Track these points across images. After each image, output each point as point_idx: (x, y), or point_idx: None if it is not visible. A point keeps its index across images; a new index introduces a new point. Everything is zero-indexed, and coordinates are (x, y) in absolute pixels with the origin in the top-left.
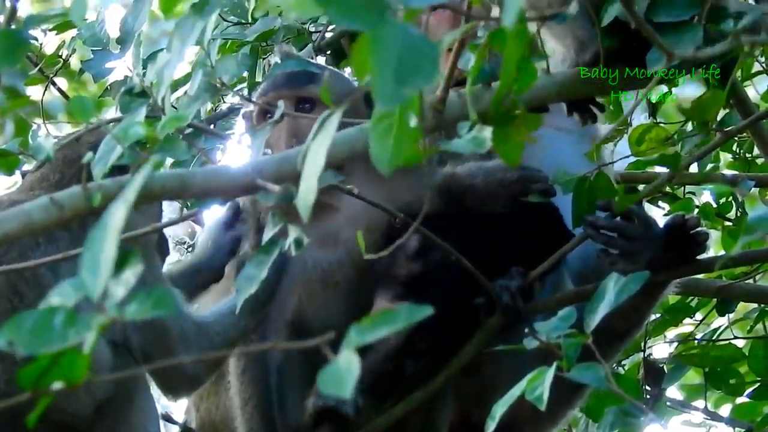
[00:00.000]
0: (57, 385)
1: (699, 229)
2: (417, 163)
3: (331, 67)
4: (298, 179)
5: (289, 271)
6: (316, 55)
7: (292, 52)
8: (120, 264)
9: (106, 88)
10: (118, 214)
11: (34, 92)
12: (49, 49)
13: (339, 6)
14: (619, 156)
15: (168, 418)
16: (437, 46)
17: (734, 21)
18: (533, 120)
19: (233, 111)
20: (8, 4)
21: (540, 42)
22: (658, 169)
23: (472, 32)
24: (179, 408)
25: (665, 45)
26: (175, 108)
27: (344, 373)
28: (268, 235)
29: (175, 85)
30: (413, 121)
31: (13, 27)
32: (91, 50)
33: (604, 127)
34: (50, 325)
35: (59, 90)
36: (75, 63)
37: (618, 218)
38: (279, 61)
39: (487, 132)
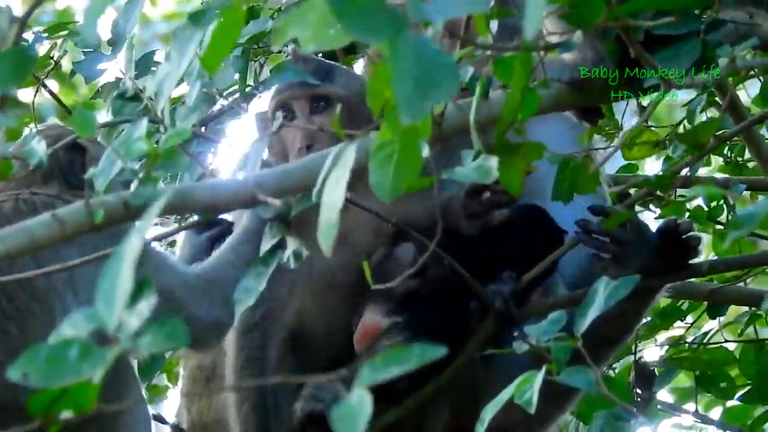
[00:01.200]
0: (66, 414)
1: (691, 233)
2: (422, 188)
3: (344, 66)
4: (299, 192)
5: (291, 273)
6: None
7: (302, 53)
8: (135, 295)
9: (98, 90)
10: (133, 246)
11: (25, 95)
12: (40, 51)
13: (358, 20)
14: (611, 159)
15: (160, 419)
16: (454, 60)
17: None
18: (535, 149)
19: (224, 113)
20: (15, 26)
21: (543, 67)
22: (650, 172)
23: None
24: (170, 409)
25: (664, 59)
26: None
27: (357, 411)
28: (266, 246)
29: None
30: (425, 151)
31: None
32: (83, 52)
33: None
34: (65, 358)
35: (50, 92)
36: (66, 65)
37: None
38: (291, 61)
39: (493, 161)
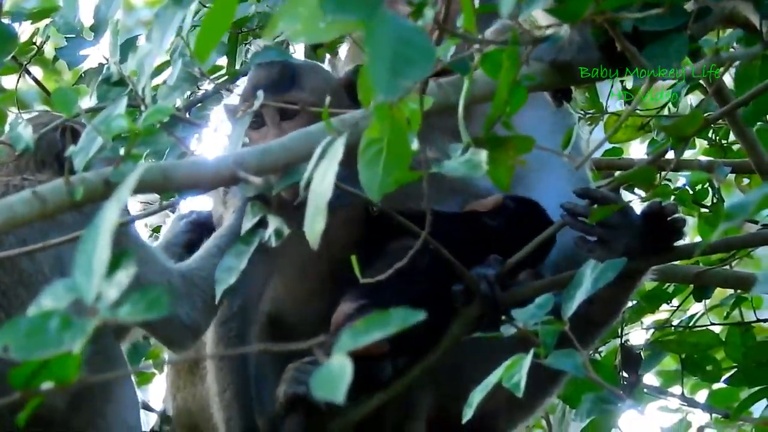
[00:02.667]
0: (47, 386)
1: (676, 215)
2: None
3: (309, 61)
4: (279, 170)
5: (267, 262)
6: (293, 42)
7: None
8: (113, 265)
9: (81, 75)
10: (110, 215)
11: (8, 81)
12: (22, 37)
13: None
14: (595, 143)
15: (146, 407)
16: (430, 38)
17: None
18: (524, 143)
19: (208, 98)
20: None
21: (527, 59)
22: (634, 155)
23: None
24: (155, 394)
25: (652, 54)
26: (154, 94)
27: (337, 376)
28: (247, 225)
29: (153, 74)
30: (415, 144)
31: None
32: (65, 38)
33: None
34: (45, 330)
35: (34, 79)
36: (49, 51)
37: (596, 206)
38: (256, 56)
39: (482, 155)
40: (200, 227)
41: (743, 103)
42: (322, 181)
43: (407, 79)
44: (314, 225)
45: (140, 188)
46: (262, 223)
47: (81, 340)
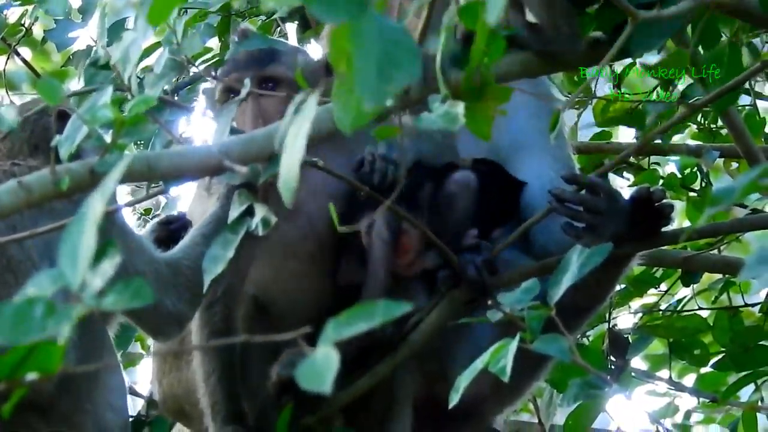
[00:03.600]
0: (31, 376)
1: (664, 201)
2: (392, 137)
3: (289, 42)
4: (264, 159)
5: (252, 246)
6: (284, 22)
7: (251, 31)
8: (98, 254)
9: (69, 57)
10: (96, 207)
11: None
12: (11, 19)
13: None
14: (583, 128)
15: (132, 392)
16: (415, 41)
17: None
18: (502, 93)
19: (197, 80)
20: None
21: (506, 18)
22: (623, 139)
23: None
24: (144, 379)
25: (643, 26)
26: (140, 78)
27: (322, 367)
28: (234, 213)
29: (140, 58)
30: (390, 101)
31: None
32: (54, 19)
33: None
34: (29, 316)
35: (23, 60)
36: (38, 32)
37: (583, 191)
38: (237, 40)
39: (460, 108)
40: (168, 227)
41: (731, 88)
42: (294, 140)
43: (395, 83)
44: (288, 183)
45: (126, 178)
46: (248, 212)
47: (65, 326)
